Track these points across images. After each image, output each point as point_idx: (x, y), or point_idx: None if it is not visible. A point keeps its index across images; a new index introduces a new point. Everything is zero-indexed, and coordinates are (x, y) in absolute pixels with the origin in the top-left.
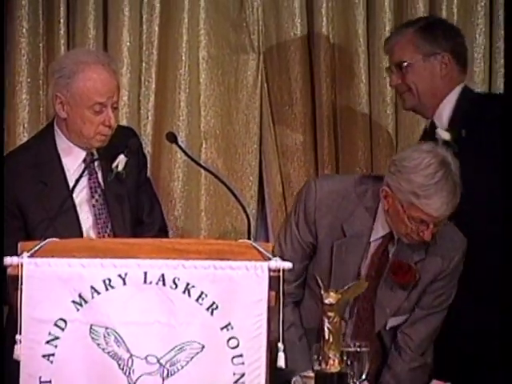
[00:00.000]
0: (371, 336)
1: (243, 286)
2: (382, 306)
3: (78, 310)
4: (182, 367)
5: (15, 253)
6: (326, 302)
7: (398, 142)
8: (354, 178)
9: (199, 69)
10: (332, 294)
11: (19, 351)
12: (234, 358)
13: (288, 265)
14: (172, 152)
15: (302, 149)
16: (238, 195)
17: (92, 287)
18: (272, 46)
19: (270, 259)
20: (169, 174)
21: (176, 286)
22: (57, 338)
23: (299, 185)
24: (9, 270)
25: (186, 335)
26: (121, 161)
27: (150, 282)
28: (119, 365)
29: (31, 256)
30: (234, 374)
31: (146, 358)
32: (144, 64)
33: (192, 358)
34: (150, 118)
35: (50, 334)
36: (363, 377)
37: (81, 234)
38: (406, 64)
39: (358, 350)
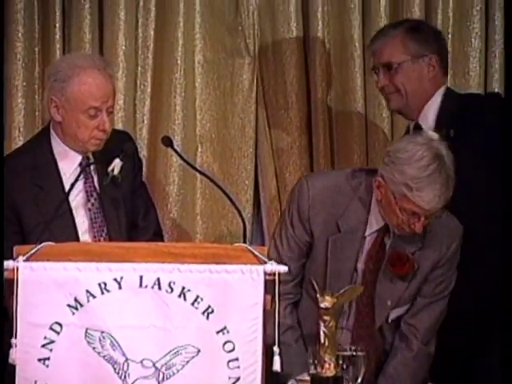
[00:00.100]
0: (372, 331)
1: (239, 290)
2: (382, 299)
3: (73, 313)
4: (178, 371)
5: (11, 257)
6: (322, 305)
7: None
8: (346, 172)
9: (195, 73)
10: (328, 297)
11: (15, 355)
12: (229, 361)
13: (283, 268)
14: (167, 156)
15: (297, 152)
16: (233, 199)
17: (87, 291)
18: (267, 50)
19: (265, 263)
20: (164, 177)
21: (171, 290)
22: (52, 341)
23: None
24: (5, 274)
25: (182, 339)
26: (116, 165)
27: (146, 286)
28: (115, 369)
29: (27, 260)
30: (230, 378)
31: (141, 361)
32: (140, 68)
33: (188, 361)
34: (145, 121)
35: (45, 337)
36: (358, 381)
37: (77, 238)
38: (395, 65)
39: (354, 354)
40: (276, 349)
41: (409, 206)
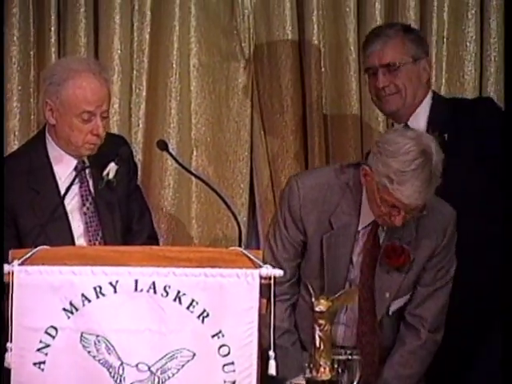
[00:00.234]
0: (374, 326)
1: (234, 294)
2: (381, 291)
3: (68, 317)
4: (173, 375)
5: (6, 260)
6: (317, 309)
7: None
8: (334, 168)
9: (190, 76)
10: (323, 301)
11: (10, 359)
12: (224, 365)
13: (279, 272)
14: (163, 160)
15: (292, 156)
16: (228, 203)
17: (83, 295)
18: (263, 54)
19: (260, 267)
20: (160, 181)
21: (167, 294)
22: (48, 345)
23: None
24: None
25: (177, 343)
26: (111, 169)
27: (141, 290)
28: (110, 372)
29: (22, 264)
30: (225, 382)
31: (136, 365)
32: (135, 72)
33: (183, 365)
34: (140, 125)
35: (40, 341)
36: None
37: (72, 242)
38: (398, 65)
39: (349, 357)
40: (271, 353)
41: (389, 198)
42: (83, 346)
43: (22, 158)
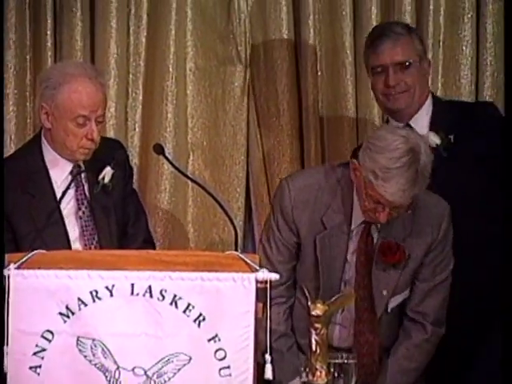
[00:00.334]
0: (373, 325)
1: (230, 298)
2: (378, 289)
3: (65, 321)
4: (169, 379)
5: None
6: (313, 313)
7: None
8: (325, 168)
9: (186, 80)
10: (319, 305)
11: (6, 363)
12: (221, 369)
13: (275, 276)
14: (159, 164)
15: (289, 160)
16: (225, 207)
17: (79, 299)
18: (259, 58)
19: (257, 270)
20: (156, 185)
21: (163, 298)
22: (44, 349)
23: None
24: None
25: (173, 347)
26: (107, 173)
27: (137, 294)
28: (106, 377)
29: (18, 268)
30: None
31: (133, 369)
32: (131, 75)
33: (179, 369)
34: (137, 129)
35: (37, 345)
36: None
37: (69, 246)
38: (409, 63)
39: (345, 361)
40: (268, 356)
41: (373, 193)
42: (79, 350)
43: (17, 161)
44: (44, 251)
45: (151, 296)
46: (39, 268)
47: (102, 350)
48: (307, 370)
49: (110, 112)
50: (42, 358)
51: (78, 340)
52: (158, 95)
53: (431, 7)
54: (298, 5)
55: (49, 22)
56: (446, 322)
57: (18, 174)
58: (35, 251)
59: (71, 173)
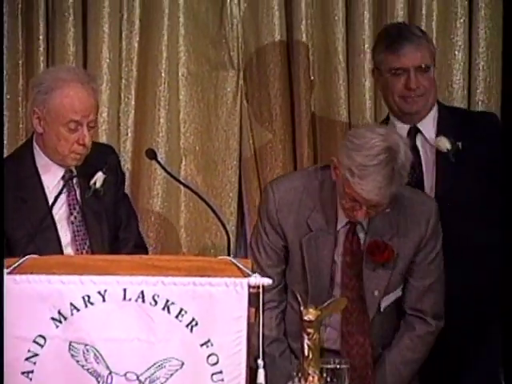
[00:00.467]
0: (364, 327)
1: (223, 303)
2: (370, 290)
3: (57, 326)
4: None
5: None
6: (306, 318)
7: None
8: (309, 171)
9: (179, 85)
10: (311, 310)
11: None
12: (213, 374)
13: (268, 281)
14: (151, 168)
15: (281, 165)
16: (217, 212)
17: (71, 304)
18: (251, 63)
19: (249, 276)
20: (148, 190)
21: (155, 303)
22: (36, 354)
23: None
24: None
25: (166, 352)
26: (99, 178)
27: (130, 299)
28: (98, 382)
29: (10, 273)
30: None
31: (125, 374)
32: (123, 81)
33: (171, 374)
34: (129, 134)
35: (29, 350)
36: None
37: (61, 251)
38: (429, 67)
39: (338, 366)
40: (260, 361)
41: (350, 191)
42: (72, 355)
43: (9, 166)
44: (36, 256)
45: (143, 301)
46: (32, 273)
47: (95, 355)
48: (300, 374)
49: (103, 117)
50: (35, 363)
51: (70, 345)
52: (151, 100)
53: (424, 12)
54: (291, 10)
55: (41, 26)
56: (446, 323)
57: (10, 178)
58: (27, 256)
59: (63, 178)
